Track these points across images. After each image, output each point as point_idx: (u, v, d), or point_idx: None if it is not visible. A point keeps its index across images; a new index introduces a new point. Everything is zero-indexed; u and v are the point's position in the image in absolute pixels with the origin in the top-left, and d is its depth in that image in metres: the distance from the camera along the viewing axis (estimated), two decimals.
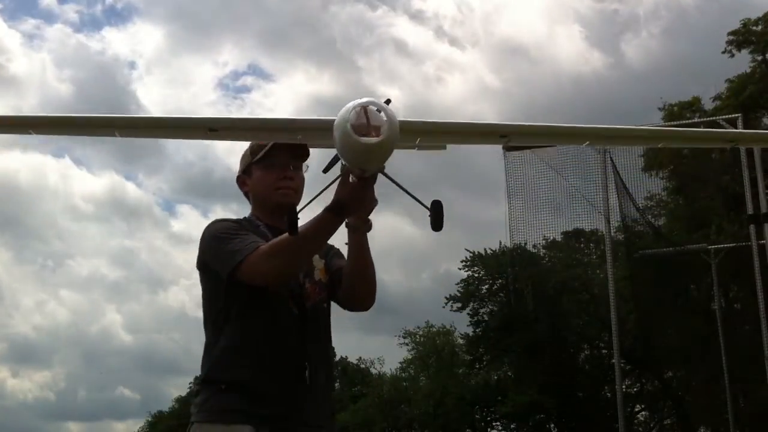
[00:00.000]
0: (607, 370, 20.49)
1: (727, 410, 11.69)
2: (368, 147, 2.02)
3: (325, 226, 2.46)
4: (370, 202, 2.51)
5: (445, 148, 3.28)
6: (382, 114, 2.02)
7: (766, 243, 8.93)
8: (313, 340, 2.68)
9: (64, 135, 2.54)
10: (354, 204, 2.42)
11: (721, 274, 12.22)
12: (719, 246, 12.52)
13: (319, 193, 2.59)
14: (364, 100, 2.04)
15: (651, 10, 43.51)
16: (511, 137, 2.48)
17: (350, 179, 2.37)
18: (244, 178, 2.88)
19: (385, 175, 2.40)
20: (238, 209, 3.01)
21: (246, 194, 2.89)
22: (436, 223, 2.44)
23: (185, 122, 2.46)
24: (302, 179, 2.82)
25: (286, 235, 2.45)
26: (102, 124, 2.42)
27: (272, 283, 2.56)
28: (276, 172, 2.77)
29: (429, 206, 2.45)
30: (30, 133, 2.42)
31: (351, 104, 2.03)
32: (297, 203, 2.72)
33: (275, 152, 2.75)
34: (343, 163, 2.31)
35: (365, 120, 2.01)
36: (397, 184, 2.45)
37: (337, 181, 2.40)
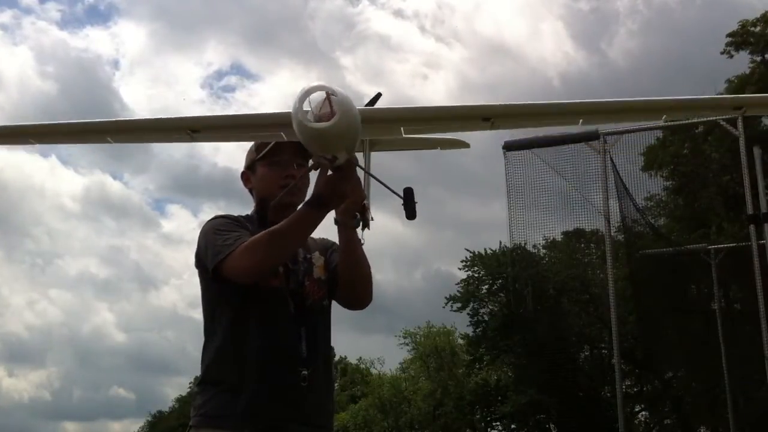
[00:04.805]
0: (607, 370, 20.47)
1: (727, 410, 11.68)
2: (320, 132, 2.00)
3: (304, 221, 2.43)
4: (353, 195, 2.48)
5: (468, 146, 3.20)
6: (335, 98, 2.00)
7: (766, 243, 8.92)
8: (312, 339, 2.65)
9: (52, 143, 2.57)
10: (332, 197, 2.38)
11: (721, 274, 12.20)
12: (719, 246, 12.51)
13: (290, 187, 2.59)
14: (315, 84, 2.01)
15: (630, 7, 43.31)
16: (495, 120, 2.37)
17: (328, 172, 2.34)
18: (247, 174, 2.86)
19: (359, 166, 2.38)
20: (226, 206, 3.02)
21: (250, 191, 2.87)
22: (409, 210, 2.41)
23: (164, 124, 2.44)
24: (307, 177, 2.80)
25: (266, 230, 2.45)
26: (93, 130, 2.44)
27: (252, 279, 2.52)
28: (280, 169, 2.75)
29: (401, 194, 2.44)
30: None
31: (302, 90, 2.00)
32: (301, 202, 2.71)
33: (279, 150, 2.73)
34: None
35: (316, 105, 2.00)
36: (371, 175, 2.44)
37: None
